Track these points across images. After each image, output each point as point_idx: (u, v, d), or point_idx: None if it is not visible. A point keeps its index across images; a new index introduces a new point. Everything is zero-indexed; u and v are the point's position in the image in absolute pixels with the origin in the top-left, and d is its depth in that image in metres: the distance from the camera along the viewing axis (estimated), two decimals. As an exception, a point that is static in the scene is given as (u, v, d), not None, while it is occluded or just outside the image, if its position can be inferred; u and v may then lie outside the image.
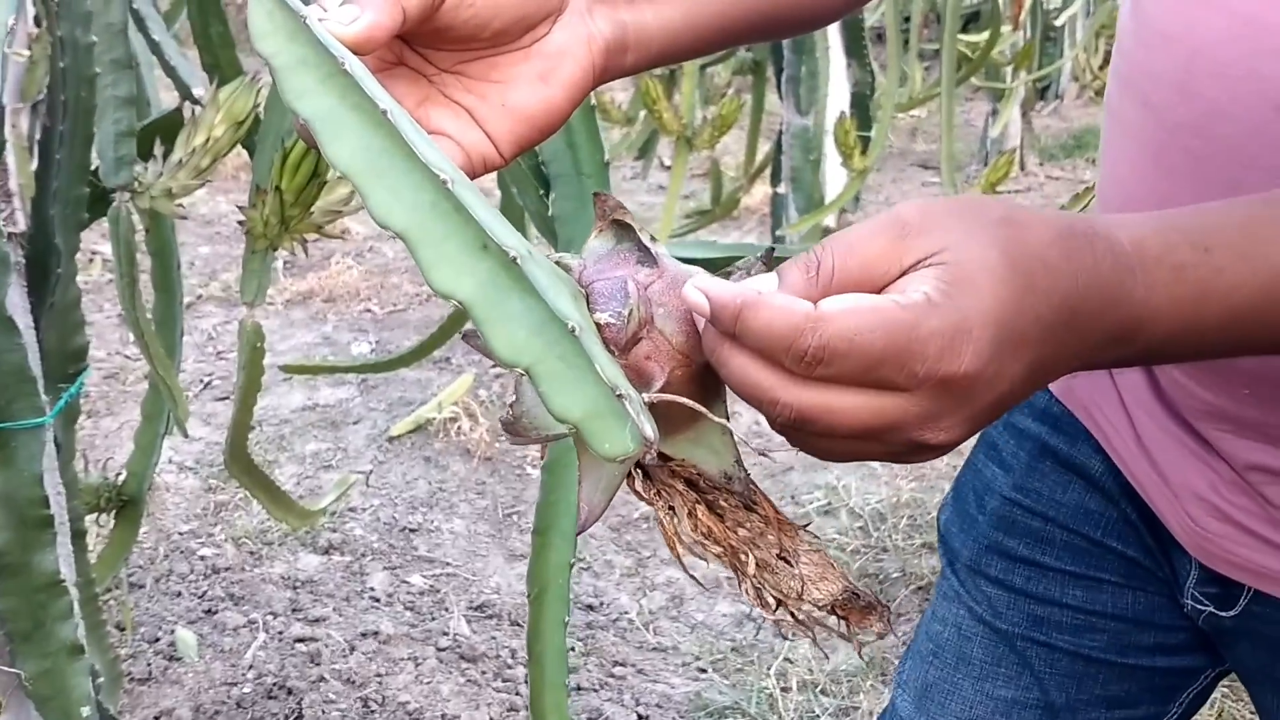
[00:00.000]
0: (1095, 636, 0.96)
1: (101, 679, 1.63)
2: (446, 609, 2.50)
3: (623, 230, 0.61)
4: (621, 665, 2.34)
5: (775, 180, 3.84)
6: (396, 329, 3.98)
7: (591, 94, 1.02)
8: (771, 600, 0.61)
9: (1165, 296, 0.55)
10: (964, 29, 5.12)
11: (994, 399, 0.51)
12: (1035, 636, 0.97)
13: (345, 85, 0.53)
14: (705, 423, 0.59)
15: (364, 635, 2.35)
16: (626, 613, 2.55)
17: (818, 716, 2.20)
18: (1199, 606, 0.90)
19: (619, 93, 5.86)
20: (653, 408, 0.54)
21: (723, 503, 0.60)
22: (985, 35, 4.34)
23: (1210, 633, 0.92)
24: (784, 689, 2.27)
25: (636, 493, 0.61)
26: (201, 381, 3.61)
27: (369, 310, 4.15)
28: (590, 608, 2.56)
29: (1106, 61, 7.31)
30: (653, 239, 0.61)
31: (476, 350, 0.60)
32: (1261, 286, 0.56)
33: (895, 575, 2.62)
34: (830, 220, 3.67)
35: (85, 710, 1.18)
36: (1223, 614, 0.89)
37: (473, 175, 0.65)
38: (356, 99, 0.53)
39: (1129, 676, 0.96)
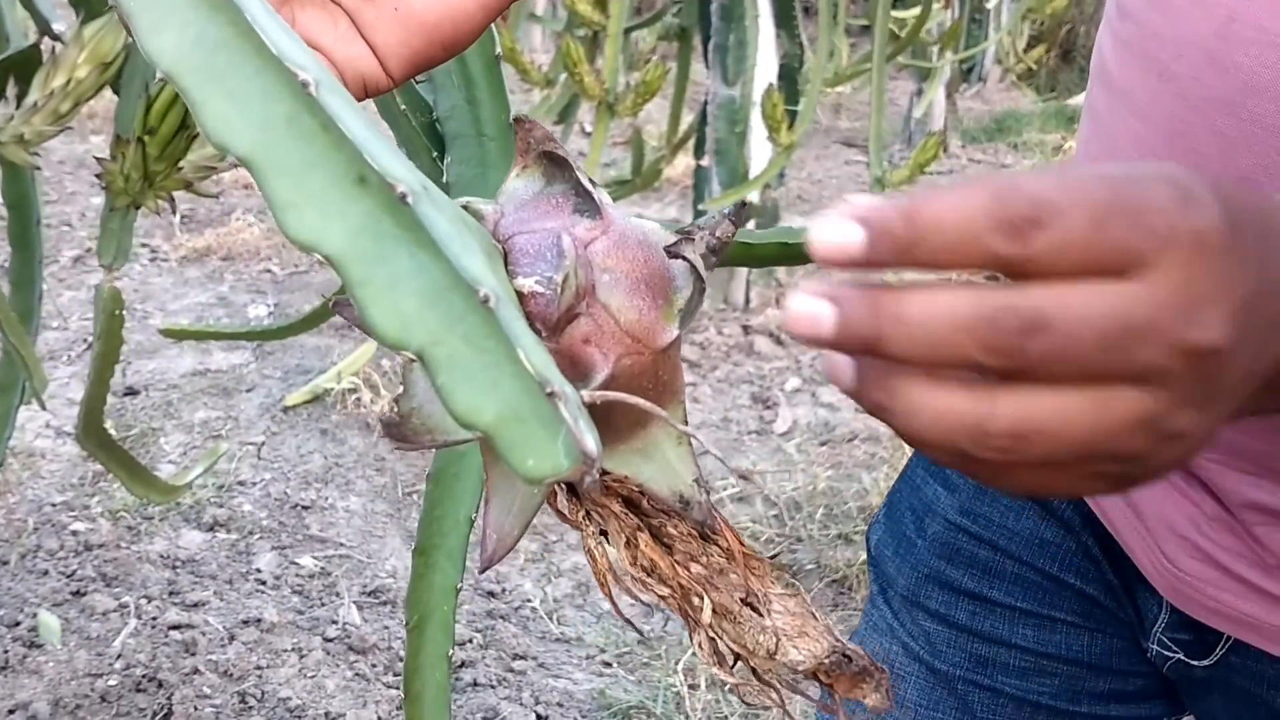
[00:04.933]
0: (1045, 681, 0.85)
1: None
2: (337, 594, 2.35)
3: (555, 167, 0.46)
4: (522, 659, 2.22)
5: (699, 152, 3.72)
6: (297, 291, 3.79)
7: (498, 42, 0.88)
8: (730, 655, 0.48)
9: None
10: (893, 4, 5.03)
11: (1253, 291, 0.38)
12: (978, 679, 0.86)
13: None
14: (658, 429, 0.45)
15: (245, 623, 2.19)
16: (529, 600, 2.43)
17: (727, 717, 2.10)
18: (1166, 653, 0.80)
19: (540, 54, 5.69)
20: (591, 409, 0.39)
21: (671, 530, 0.47)
22: (915, 12, 4.25)
23: (1176, 681, 0.82)
24: (692, 686, 2.16)
25: (559, 512, 0.47)
26: (85, 340, 3.39)
27: (269, 270, 3.95)
28: (491, 594, 2.43)
29: (1031, 45, 7.29)
30: (593, 182, 0.46)
31: (351, 323, 0.45)
32: None
33: (810, 567, 2.52)
34: (754, 195, 3.56)
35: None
36: (1194, 663, 0.79)
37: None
38: None
39: (1079, 725, 0.86)
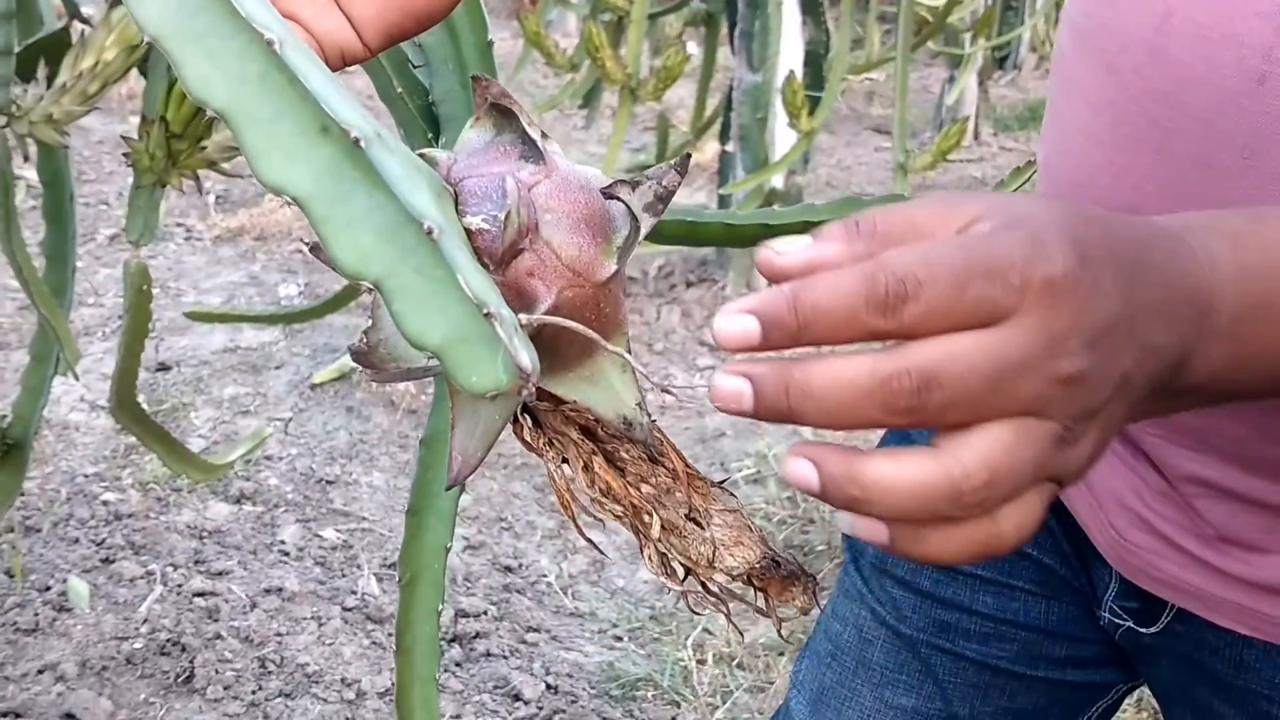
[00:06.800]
0: (1004, 646, 0.89)
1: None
2: (357, 566, 2.41)
3: (504, 118, 0.51)
4: (535, 631, 2.27)
5: (724, 137, 3.76)
6: (327, 271, 3.83)
7: (489, 28, 0.93)
8: (679, 568, 0.52)
9: (1231, 265, 0.48)
10: (925, -8, 5.02)
11: (1110, 316, 0.43)
12: (941, 644, 0.90)
13: None
14: (602, 357, 0.49)
15: (267, 591, 2.26)
16: (545, 576, 2.48)
17: (732, 691, 2.14)
18: (1116, 621, 0.84)
19: (574, 38, 5.72)
20: (539, 338, 0.44)
21: (624, 454, 0.52)
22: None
23: (1127, 648, 0.86)
24: (700, 661, 2.21)
25: (524, 442, 0.52)
26: (120, 317, 3.47)
27: (300, 251, 4.02)
28: (509, 569, 2.49)
29: (1067, 33, 7.25)
30: (543, 134, 0.51)
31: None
32: None
33: (821, 548, 2.56)
34: (778, 180, 3.59)
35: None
36: (1142, 630, 0.82)
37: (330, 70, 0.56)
38: None
39: (1037, 689, 0.90)
